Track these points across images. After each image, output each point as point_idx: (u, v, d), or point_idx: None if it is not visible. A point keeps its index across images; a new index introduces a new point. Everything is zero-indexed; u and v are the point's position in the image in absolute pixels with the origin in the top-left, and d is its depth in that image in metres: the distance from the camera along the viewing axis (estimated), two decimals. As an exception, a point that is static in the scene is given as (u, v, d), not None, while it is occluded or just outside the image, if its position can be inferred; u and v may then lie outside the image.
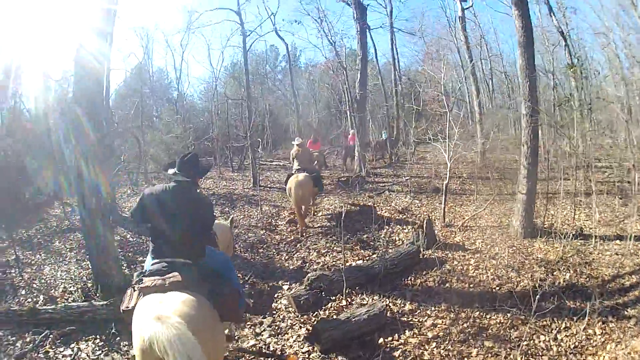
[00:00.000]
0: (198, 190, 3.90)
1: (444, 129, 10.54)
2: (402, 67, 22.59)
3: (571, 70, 12.92)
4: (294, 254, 8.14)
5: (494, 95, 22.83)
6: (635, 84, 14.01)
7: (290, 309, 5.92)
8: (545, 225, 7.86)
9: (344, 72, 15.54)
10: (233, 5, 16.60)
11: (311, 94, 28.00)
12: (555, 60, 17.81)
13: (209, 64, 36.24)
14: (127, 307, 3.11)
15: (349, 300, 5.93)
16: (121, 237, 8.76)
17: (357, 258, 7.58)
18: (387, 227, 8.76)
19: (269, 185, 14.74)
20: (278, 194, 13.24)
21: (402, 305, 5.72)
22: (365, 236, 8.67)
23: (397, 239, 8.51)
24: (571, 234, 6.82)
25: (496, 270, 6.39)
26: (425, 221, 7.63)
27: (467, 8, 16.68)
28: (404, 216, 9.93)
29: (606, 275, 5.84)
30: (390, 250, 7.36)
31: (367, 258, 7.50)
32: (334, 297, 5.99)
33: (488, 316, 5.15)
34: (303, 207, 9.28)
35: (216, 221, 4.70)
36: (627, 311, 4.81)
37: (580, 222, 8.06)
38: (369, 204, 11.09)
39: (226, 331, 4.22)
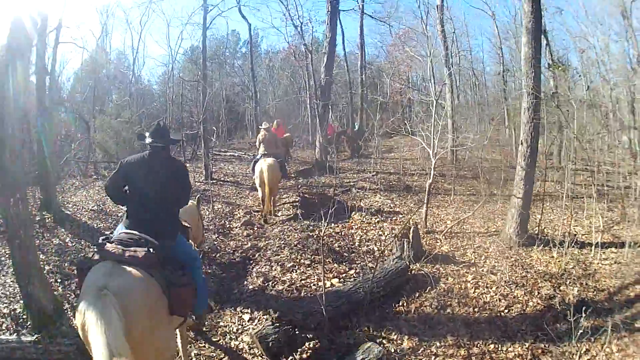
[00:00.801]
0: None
1: (425, 121, 9.20)
2: (367, 57, 21.18)
3: (559, 69, 12.14)
4: (252, 268, 6.61)
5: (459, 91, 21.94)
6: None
7: (255, 350, 4.43)
8: (537, 232, 7.14)
9: (309, 55, 14.04)
10: None
11: (270, 82, 26.28)
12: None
13: (167, 45, 32.92)
14: (82, 267, 3.03)
15: (331, 338, 4.53)
16: (60, 242, 7.33)
17: (331, 275, 6.10)
18: (360, 232, 7.70)
19: (222, 179, 13.15)
20: (232, 188, 11.81)
21: (400, 341, 4.54)
22: (337, 245, 7.31)
23: (374, 248, 7.20)
24: (567, 242, 6.27)
25: (498, 287, 5.55)
26: (411, 229, 6.49)
27: (445, -4, 15.51)
28: (377, 219, 8.65)
29: (611, 287, 5.49)
30: (370, 265, 6.09)
31: (344, 275, 6.12)
32: (310, 335, 4.53)
33: (504, 348, 4.36)
34: (272, 191, 8.97)
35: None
36: (638, 324, 4.51)
37: (570, 227, 7.28)
38: (330, 194, 10.01)
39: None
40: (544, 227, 7.49)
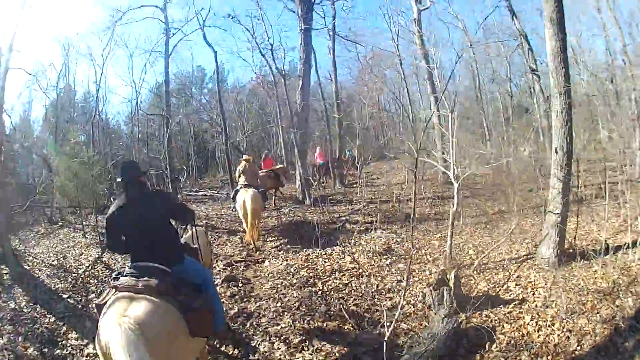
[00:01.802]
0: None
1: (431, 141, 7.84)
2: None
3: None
4: (246, 346, 4.67)
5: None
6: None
7: None
8: (572, 247, 6.21)
9: (282, 80, 12.41)
10: (158, 3, 12.80)
11: (238, 116, 24.59)
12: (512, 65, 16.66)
13: (130, 80, 31.01)
14: (101, 302, 3.06)
15: None
16: (16, 307, 6.05)
17: (362, 349, 4.32)
18: (374, 281, 6.06)
19: (197, 221, 11.12)
20: (211, 230, 9.84)
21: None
22: (351, 302, 5.57)
23: (398, 300, 5.42)
24: (602, 251, 5.66)
25: (561, 322, 4.50)
26: (452, 274, 5.13)
27: (424, 9, 14.35)
28: (389, 259, 7.01)
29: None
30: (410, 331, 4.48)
31: (376, 347, 4.26)
32: None
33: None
34: (255, 221, 8.36)
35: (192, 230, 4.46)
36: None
37: (594, 233, 6.83)
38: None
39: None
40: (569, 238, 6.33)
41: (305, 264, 6.95)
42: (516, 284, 5.58)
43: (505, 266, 6.24)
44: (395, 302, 5.39)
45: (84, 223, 10.27)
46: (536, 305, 4.94)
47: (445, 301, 4.80)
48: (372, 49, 19.34)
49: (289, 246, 8.21)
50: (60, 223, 11.65)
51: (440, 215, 9.90)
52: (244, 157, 10.10)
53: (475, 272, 6.07)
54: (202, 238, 4.96)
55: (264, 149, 24.93)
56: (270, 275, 6.77)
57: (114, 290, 3.07)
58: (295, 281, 6.30)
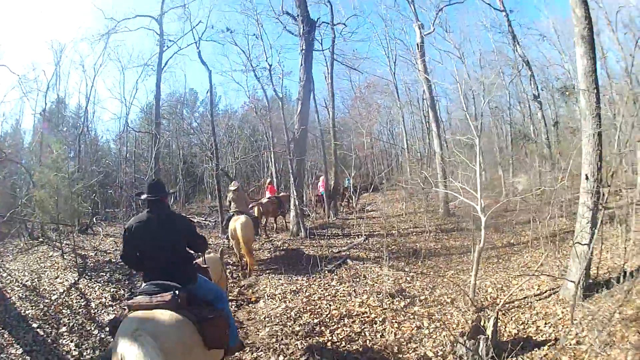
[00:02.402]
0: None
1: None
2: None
3: (567, 94, 10.83)
4: None
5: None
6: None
7: None
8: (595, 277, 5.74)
9: (279, 102, 11.55)
10: (154, 14, 11.95)
11: (229, 142, 23.72)
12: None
13: (121, 96, 30.12)
14: (115, 323, 2.97)
15: None
16: None
17: None
18: (390, 328, 5.10)
19: None
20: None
21: None
22: (370, 356, 4.59)
23: (428, 354, 4.56)
24: (621, 277, 5.30)
25: (597, 357, 4.03)
26: (491, 320, 4.42)
27: (427, 34, 13.86)
28: (402, 303, 6.07)
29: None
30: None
31: None
32: None
33: None
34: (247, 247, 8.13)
35: (206, 255, 4.35)
36: None
37: (607, 260, 6.42)
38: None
39: None
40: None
41: (308, 307, 5.95)
42: (545, 323, 5.00)
43: (530, 304, 5.59)
44: (419, 354, 4.51)
45: (63, 242, 9.36)
46: (570, 343, 4.43)
47: (481, 351, 4.02)
48: (365, 78, 18.91)
49: (285, 284, 7.22)
50: (40, 239, 10.79)
51: (447, 249, 9.10)
52: (232, 186, 9.74)
53: (499, 312, 5.24)
54: (217, 264, 4.91)
55: (253, 177, 24.16)
56: (267, 319, 5.74)
57: (127, 309, 3.08)
58: (298, 328, 5.29)
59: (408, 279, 7.21)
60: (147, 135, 18.29)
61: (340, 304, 6.06)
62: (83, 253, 9.32)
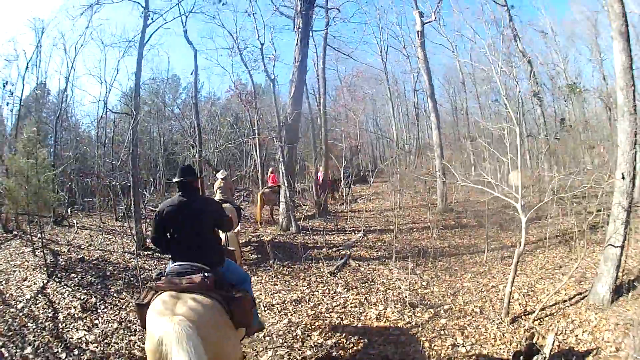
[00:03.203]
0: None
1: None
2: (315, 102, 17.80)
3: (575, 91, 9.99)
4: None
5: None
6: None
7: None
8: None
9: (269, 86, 10.18)
10: None
11: (211, 129, 22.14)
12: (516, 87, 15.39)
13: (101, 78, 27.86)
14: (142, 302, 2.96)
15: None
16: None
17: None
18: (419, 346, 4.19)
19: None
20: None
21: None
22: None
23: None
24: None
25: None
26: (549, 336, 4.11)
27: (428, 22, 12.70)
28: (427, 314, 5.04)
29: None
30: None
31: None
32: None
33: None
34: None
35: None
36: None
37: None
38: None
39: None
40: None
41: (316, 323, 4.79)
42: (583, 331, 4.50)
43: (561, 310, 5.00)
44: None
45: (34, 237, 8.23)
46: (610, 351, 4.07)
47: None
48: (352, 68, 17.75)
49: (283, 291, 6.00)
50: (14, 232, 9.67)
51: (455, 248, 8.16)
52: (221, 174, 9.11)
53: (533, 321, 4.72)
54: (234, 241, 5.05)
55: (235, 166, 22.68)
56: (267, 338, 4.55)
57: (154, 291, 2.96)
58: (309, 353, 4.14)
59: (423, 283, 6.15)
60: (127, 119, 16.64)
61: (353, 318, 4.96)
62: (56, 249, 8.23)
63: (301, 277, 6.46)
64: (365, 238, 8.84)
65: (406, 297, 5.36)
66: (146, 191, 11.42)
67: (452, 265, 7.05)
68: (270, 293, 5.87)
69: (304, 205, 12.08)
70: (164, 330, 2.43)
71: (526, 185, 9.22)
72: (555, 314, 4.93)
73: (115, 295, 6.11)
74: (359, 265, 6.93)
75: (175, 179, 3.46)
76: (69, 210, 11.95)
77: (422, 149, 17.82)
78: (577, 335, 4.43)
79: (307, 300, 5.50)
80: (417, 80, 18.27)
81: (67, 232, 9.70)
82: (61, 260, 7.56)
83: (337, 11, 13.61)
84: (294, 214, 9.81)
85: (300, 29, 9.77)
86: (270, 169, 12.23)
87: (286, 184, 9.80)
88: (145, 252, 8.11)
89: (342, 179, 14.05)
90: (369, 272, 6.64)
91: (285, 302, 5.47)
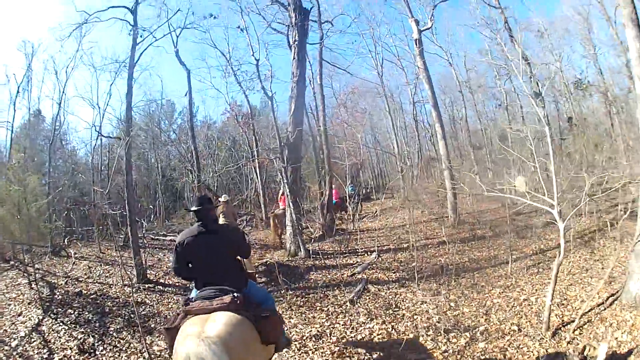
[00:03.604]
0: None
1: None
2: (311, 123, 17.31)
3: (583, 88, 9.55)
4: None
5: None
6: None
7: None
8: None
9: (270, 103, 9.60)
10: (128, 4, 9.93)
11: (209, 153, 21.60)
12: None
13: (94, 103, 27.22)
14: (170, 326, 2.96)
15: None
16: None
17: None
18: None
19: (161, 280, 8.06)
20: (177, 299, 6.88)
21: None
22: None
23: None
24: None
25: None
26: (601, 348, 3.72)
27: (424, 30, 12.33)
28: (460, 336, 4.52)
29: None
30: None
31: None
32: None
33: None
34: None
35: None
36: None
37: None
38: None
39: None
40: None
41: (342, 360, 4.14)
42: (622, 332, 4.21)
43: (598, 315, 4.65)
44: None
45: (30, 268, 7.66)
46: None
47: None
48: (345, 84, 17.32)
49: (300, 324, 5.35)
50: (12, 262, 9.04)
51: (476, 262, 7.56)
52: (223, 198, 8.93)
53: (576, 333, 4.34)
54: (249, 265, 5.02)
55: (235, 190, 22.02)
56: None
57: (183, 314, 2.98)
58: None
59: (451, 304, 5.53)
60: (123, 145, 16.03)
61: (383, 351, 4.32)
62: (53, 281, 7.71)
63: (318, 308, 5.79)
64: (380, 259, 8.18)
65: (437, 322, 4.75)
66: (144, 220, 10.76)
67: (477, 281, 6.44)
68: (286, 329, 5.19)
69: (310, 227, 11.40)
70: (191, 349, 2.46)
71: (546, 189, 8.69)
72: (592, 320, 4.57)
73: (114, 335, 5.51)
74: (379, 290, 6.27)
75: (194, 208, 3.46)
76: (66, 240, 11.29)
77: (428, 161, 17.33)
78: (617, 338, 4.16)
79: (329, 335, 4.85)
80: (415, 92, 17.87)
81: (65, 263, 9.12)
82: (58, 294, 7.02)
83: (330, 25, 13.29)
84: (302, 237, 9.15)
85: (296, 42, 9.27)
86: (281, 191, 11.63)
87: (292, 207, 9.17)
88: (146, 285, 7.48)
89: (347, 197, 13.44)
90: (390, 296, 6.01)
91: (304, 338, 4.82)
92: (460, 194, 10.46)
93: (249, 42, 9.84)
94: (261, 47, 9.66)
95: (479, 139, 18.26)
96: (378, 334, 4.75)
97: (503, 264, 7.14)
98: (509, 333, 4.57)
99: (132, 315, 6.09)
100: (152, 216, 17.99)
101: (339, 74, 17.70)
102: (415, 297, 5.79)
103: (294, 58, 9.38)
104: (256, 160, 15.30)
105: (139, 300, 6.76)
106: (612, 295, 5.00)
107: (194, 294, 3.30)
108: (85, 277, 8.17)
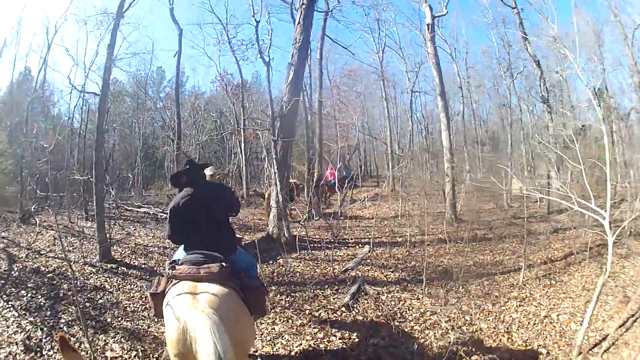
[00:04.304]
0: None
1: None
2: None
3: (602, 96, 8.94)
4: None
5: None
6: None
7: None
8: None
9: (266, 70, 8.24)
10: None
11: (194, 123, 20.13)
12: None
13: (77, 58, 24.96)
14: (155, 291, 2.88)
15: None
16: None
17: None
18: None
19: (126, 260, 6.80)
20: (141, 284, 5.72)
21: None
22: None
23: None
24: None
25: None
26: None
27: (438, 16, 11.27)
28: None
29: None
30: None
31: None
32: None
33: None
34: None
35: None
36: None
37: None
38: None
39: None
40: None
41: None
42: None
43: (621, 336, 4.08)
44: None
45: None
46: None
47: None
48: (342, 67, 16.15)
49: (287, 335, 4.23)
50: None
51: (482, 267, 6.66)
52: (209, 170, 6.87)
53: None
54: None
55: (217, 164, 20.70)
56: None
57: (171, 280, 2.85)
58: None
59: (466, 318, 4.60)
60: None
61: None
62: (15, 252, 6.89)
63: (307, 312, 4.70)
64: (374, 253, 7.18)
65: (456, 341, 3.78)
66: (118, 189, 9.46)
67: (488, 290, 5.51)
68: (268, 338, 4.09)
69: (296, 211, 10.35)
70: (189, 318, 2.32)
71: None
72: (616, 343, 3.99)
73: (64, 329, 4.36)
74: (379, 293, 5.24)
75: (184, 168, 3.34)
76: (34, 207, 10.13)
77: (429, 152, 16.42)
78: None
79: (324, 351, 3.80)
80: (416, 80, 16.83)
81: (32, 232, 8.09)
82: (16, 269, 6.08)
83: (337, 1, 12.06)
84: (288, 223, 8.02)
85: (304, 5, 7.96)
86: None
87: (278, 187, 8.01)
88: (109, 266, 6.31)
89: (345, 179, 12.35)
90: (393, 302, 5.00)
91: (293, 354, 3.76)
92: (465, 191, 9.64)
93: (251, 2, 8.46)
94: (263, 9, 8.41)
95: (472, 137, 17.50)
96: (386, 352, 3.74)
97: (512, 272, 6.28)
98: (536, 357, 3.85)
99: (87, 303, 4.99)
100: (130, 185, 16.66)
101: (337, 54, 16.63)
102: (423, 306, 4.83)
103: (298, 23, 8.03)
104: (242, 131, 14.04)
105: (98, 284, 5.61)
106: (632, 316, 4.43)
107: (179, 255, 3.19)
108: (48, 250, 7.05)
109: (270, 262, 6.71)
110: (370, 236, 8.06)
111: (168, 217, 3.25)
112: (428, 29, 10.38)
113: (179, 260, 3.02)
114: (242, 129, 13.51)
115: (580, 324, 4.31)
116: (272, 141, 8.12)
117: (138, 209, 11.47)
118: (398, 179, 14.39)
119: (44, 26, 14.29)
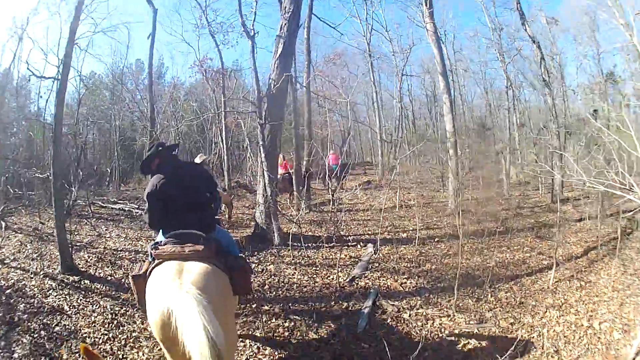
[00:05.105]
0: None
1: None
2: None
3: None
4: None
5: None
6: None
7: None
8: None
9: (250, 44, 6.97)
10: None
11: (172, 113, 18.75)
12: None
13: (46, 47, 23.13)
14: (138, 273, 2.72)
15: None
16: None
17: None
18: None
19: (91, 270, 5.61)
20: (109, 304, 4.58)
21: None
22: None
23: None
24: None
25: None
26: None
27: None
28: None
29: None
30: None
31: None
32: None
33: None
34: None
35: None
36: None
37: None
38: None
39: None
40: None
41: None
42: None
43: None
44: None
45: None
46: None
47: None
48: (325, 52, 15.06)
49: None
50: None
51: (504, 267, 5.77)
52: (198, 158, 7.46)
53: None
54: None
55: (196, 155, 19.47)
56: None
57: (154, 260, 2.67)
58: None
59: (507, 335, 3.74)
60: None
61: None
62: None
63: (312, 339, 3.65)
64: (380, 255, 6.11)
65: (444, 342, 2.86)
66: (73, 187, 8.18)
67: (520, 297, 4.59)
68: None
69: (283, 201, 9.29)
70: (174, 300, 2.13)
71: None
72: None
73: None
74: (399, 310, 4.21)
75: (154, 150, 3.13)
76: (6, 208, 8.93)
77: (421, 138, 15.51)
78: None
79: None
80: (406, 63, 15.85)
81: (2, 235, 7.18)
82: None
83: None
84: (277, 219, 6.83)
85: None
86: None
87: (267, 178, 6.83)
88: (70, 279, 5.15)
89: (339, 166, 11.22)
90: (419, 324, 3.96)
91: None
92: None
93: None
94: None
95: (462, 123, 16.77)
96: None
97: (537, 273, 5.43)
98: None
99: (42, 332, 3.89)
100: (108, 180, 15.35)
101: (322, 36, 15.51)
102: (455, 324, 3.85)
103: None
104: (223, 118, 12.80)
105: (56, 304, 4.46)
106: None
107: (160, 237, 2.90)
108: (12, 258, 6.06)
109: (260, 269, 5.61)
110: (369, 231, 7.04)
111: (147, 203, 2.95)
112: (426, 4, 9.28)
113: (161, 241, 2.79)
114: (223, 112, 12.17)
115: (621, 331, 3.81)
116: (258, 124, 6.92)
117: (113, 206, 10.23)
118: (387, 167, 13.49)
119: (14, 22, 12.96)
